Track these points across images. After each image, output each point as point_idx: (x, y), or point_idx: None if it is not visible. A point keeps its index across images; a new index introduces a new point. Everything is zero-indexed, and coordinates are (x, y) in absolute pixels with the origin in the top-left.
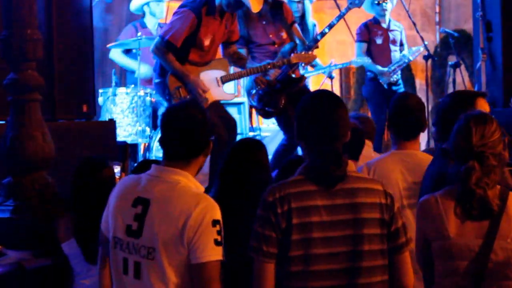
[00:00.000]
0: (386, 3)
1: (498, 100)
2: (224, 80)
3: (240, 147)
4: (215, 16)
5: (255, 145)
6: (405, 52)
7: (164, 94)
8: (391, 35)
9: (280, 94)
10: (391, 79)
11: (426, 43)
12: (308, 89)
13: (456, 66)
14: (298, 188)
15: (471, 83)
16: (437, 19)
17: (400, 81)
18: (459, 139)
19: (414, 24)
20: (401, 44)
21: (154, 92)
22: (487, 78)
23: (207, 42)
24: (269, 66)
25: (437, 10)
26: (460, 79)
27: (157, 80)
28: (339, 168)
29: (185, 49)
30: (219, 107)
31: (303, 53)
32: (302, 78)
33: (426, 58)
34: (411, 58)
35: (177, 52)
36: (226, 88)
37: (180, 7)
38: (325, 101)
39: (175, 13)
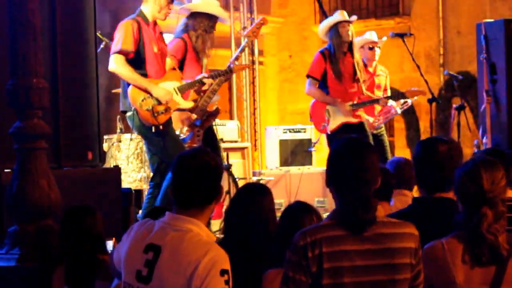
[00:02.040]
0: (378, 47)
1: (502, 142)
2: (180, 89)
3: (246, 191)
4: (149, 24)
5: (260, 190)
6: (394, 103)
7: (130, 110)
8: (376, 80)
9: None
10: (374, 131)
11: (411, 99)
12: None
13: (460, 108)
14: (329, 233)
15: (475, 125)
16: (441, 61)
17: (382, 125)
18: (469, 184)
19: (418, 67)
20: (385, 90)
21: None
22: (492, 120)
23: (155, 49)
24: (206, 75)
25: (441, 52)
26: (465, 121)
27: (124, 102)
28: (368, 213)
29: (140, 66)
30: (171, 128)
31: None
32: (217, 110)
33: (430, 101)
34: (399, 111)
35: (137, 69)
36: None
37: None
38: (356, 148)
39: (116, 32)
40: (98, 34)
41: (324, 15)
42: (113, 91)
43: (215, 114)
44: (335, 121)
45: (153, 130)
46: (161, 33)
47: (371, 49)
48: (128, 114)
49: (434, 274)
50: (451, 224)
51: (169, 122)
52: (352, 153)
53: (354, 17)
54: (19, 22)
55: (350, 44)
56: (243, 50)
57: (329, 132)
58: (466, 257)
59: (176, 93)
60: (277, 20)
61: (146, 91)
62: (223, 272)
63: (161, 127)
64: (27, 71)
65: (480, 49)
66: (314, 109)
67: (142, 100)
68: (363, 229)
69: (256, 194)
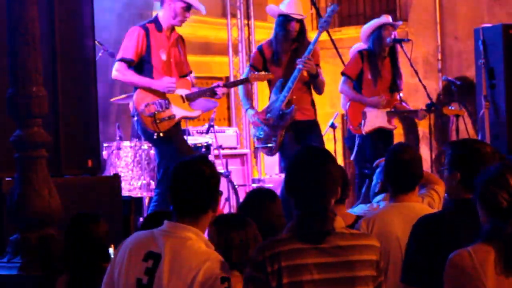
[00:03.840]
0: None
1: (501, 147)
2: (188, 97)
3: (254, 196)
4: (163, 32)
5: (269, 195)
6: None
7: (135, 115)
8: None
9: (279, 128)
10: None
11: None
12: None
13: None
14: (287, 246)
15: (474, 130)
16: (439, 66)
17: None
18: (498, 193)
19: (416, 72)
20: None
21: None
22: (491, 126)
23: (163, 57)
24: (221, 85)
25: (439, 57)
26: (463, 127)
27: (132, 109)
28: (324, 224)
29: (148, 72)
30: (179, 134)
31: (261, 73)
32: (293, 109)
33: (429, 106)
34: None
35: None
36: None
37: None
38: (312, 157)
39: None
40: (96, 42)
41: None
42: (112, 99)
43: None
44: (371, 123)
45: (155, 137)
46: (180, 39)
47: None
48: (134, 118)
49: (462, 284)
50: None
51: (174, 129)
52: (309, 163)
53: (399, 23)
54: (19, 31)
55: (392, 49)
56: (316, 42)
57: (364, 133)
58: (498, 268)
59: (184, 101)
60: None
61: (150, 89)
62: (224, 279)
63: (161, 134)
64: (27, 80)
65: (478, 54)
66: (352, 110)
67: (145, 106)
68: (320, 241)
69: (265, 199)
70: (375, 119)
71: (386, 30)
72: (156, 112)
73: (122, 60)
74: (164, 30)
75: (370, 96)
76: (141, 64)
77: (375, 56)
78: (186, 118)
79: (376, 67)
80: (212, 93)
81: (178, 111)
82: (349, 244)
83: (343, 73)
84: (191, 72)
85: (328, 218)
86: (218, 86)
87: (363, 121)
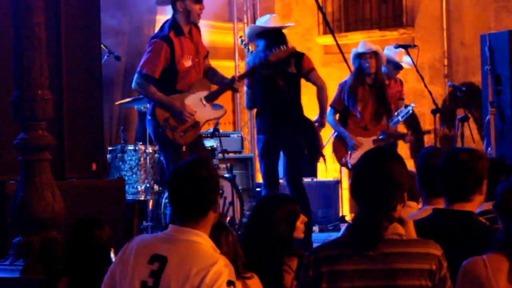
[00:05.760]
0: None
1: (507, 154)
2: (208, 99)
3: (265, 202)
4: (185, 35)
5: (282, 200)
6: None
7: (156, 129)
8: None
9: None
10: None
11: (411, 105)
12: None
13: (464, 120)
14: (331, 252)
15: (479, 136)
16: (445, 72)
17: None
18: None
19: (422, 78)
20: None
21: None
22: (496, 132)
23: (187, 64)
24: (236, 78)
25: (445, 63)
26: (469, 133)
27: (149, 117)
28: (371, 231)
29: (170, 79)
30: (199, 140)
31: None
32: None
33: (434, 112)
34: (400, 119)
35: (162, 84)
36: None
37: (151, 39)
38: (375, 160)
39: (148, 47)
40: (102, 45)
41: (327, 26)
42: (116, 103)
43: None
44: (358, 155)
45: (184, 150)
46: (197, 32)
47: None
48: (153, 128)
49: None
50: (464, 238)
51: (198, 140)
52: (368, 167)
53: (370, 48)
54: (25, 34)
55: (375, 75)
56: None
57: (349, 166)
58: (511, 277)
59: (204, 104)
60: None
61: (170, 110)
62: (230, 283)
63: (183, 148)
64: (32, 83)
65: (484, 60)
66: (337, 142)
67: (166, 121)
68: (365, 248)
69: (275, 204)
70: (361, 150)
71: (363, 58)
72: (178, 125)
73: (146, 77)
74: (185, 33)
75: (357, 126)
76: (164, 72)
77: (357, 85)
78: (210, 120)
79: (356, 98)
80: (232, 88)
81: (199, 116)
82: (396, 251)
83: (330, 105)
84: (208, 52)
85: (376, 225)
86: (234, 80)
87: (348, 154)
